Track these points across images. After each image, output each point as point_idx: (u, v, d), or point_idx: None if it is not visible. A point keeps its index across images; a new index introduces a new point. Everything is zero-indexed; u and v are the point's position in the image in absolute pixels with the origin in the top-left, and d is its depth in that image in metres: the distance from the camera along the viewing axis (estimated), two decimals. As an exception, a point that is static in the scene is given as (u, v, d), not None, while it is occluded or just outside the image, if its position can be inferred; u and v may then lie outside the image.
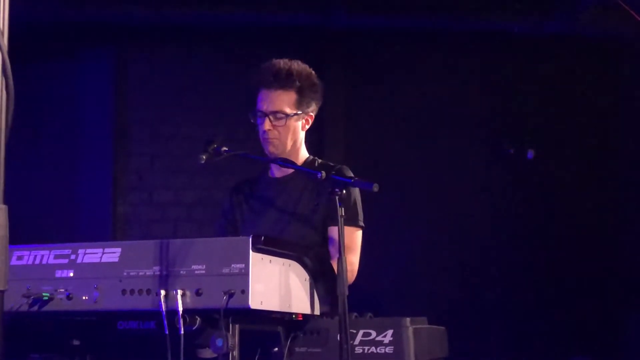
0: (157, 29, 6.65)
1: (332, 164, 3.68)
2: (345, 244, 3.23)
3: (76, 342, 3.01)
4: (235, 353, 2.72)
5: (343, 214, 3.04)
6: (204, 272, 2.75)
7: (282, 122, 3.64)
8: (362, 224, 3.64)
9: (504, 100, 6.75)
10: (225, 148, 3.52)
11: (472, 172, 6.64)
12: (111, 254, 2.87)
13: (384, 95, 6.73)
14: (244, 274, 2.70)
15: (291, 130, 3.67)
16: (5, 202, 2.03)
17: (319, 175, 3.15)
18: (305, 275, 3.06)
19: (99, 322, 2.94)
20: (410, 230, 6.50)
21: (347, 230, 3.44)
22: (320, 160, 3.77)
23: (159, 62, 6.83)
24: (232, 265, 2.72)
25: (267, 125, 3.64)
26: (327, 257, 3.19)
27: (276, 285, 2.87)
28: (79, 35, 6.58)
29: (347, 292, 2.93)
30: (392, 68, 6.76)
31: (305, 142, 3.80)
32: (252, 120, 3.70)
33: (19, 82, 2.13)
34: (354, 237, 3.60)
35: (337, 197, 3.05)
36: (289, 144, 3.68)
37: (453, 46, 6.71)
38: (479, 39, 6.64)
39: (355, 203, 3.61)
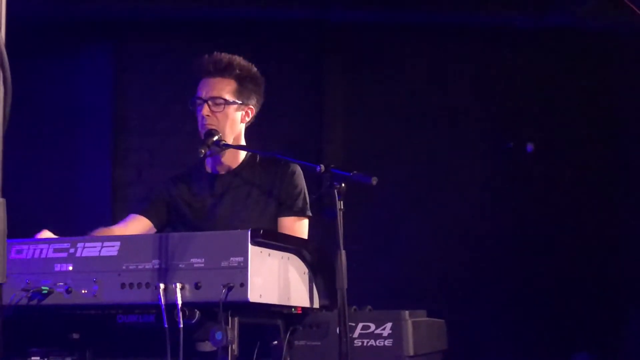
0: (156, 23, 6.63)
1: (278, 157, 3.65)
2: (295, 234, 3.29)
3: (75, 336, 3.01)
4: (235, 346, 2.72)
5: (340, 208, 3.02)
6: (202, 265, 2.75)
7: (220, 107, 3.61)
8: (309, 213, 3.66)
9: (504, 93, 6.73)
10: (224, 142, 3.55)
11: (471, 165, 6.63)
12: (110, 247, 2.87)
13: (382, 89, 6.71)
14: (243, 267, 2.70)
15: (230, 119, 3.63)
16: (4, 195, 2.03)
17: (317, 169, 3.14)
18: (304, 269, 3.06)
19: (98, 315, 2.94)
20: (409, 224, 6.49)
21: (298, 220, 3.59)
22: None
23: (158, 57, 6.81)
24: (231, 259, 2.72)
25: (205, 110, 3.61)
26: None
27: (275, 278, 2.87)
28: (78, 30, 6.56)
29: (346, 286, 2.93)
30: (391, 62, 6.75)
31: (246, 137, 3.74)
32: (191, 108, 3.67)
33: (18, 76, 2.13)
34: (303, 227, 3.63)
35: (336, 191, 3.04)
36: (228, 134, 3.63)
37: (452, 39, 6.70)
38: (478, 32, 6.63)
39: (303, 193, 3.64)
